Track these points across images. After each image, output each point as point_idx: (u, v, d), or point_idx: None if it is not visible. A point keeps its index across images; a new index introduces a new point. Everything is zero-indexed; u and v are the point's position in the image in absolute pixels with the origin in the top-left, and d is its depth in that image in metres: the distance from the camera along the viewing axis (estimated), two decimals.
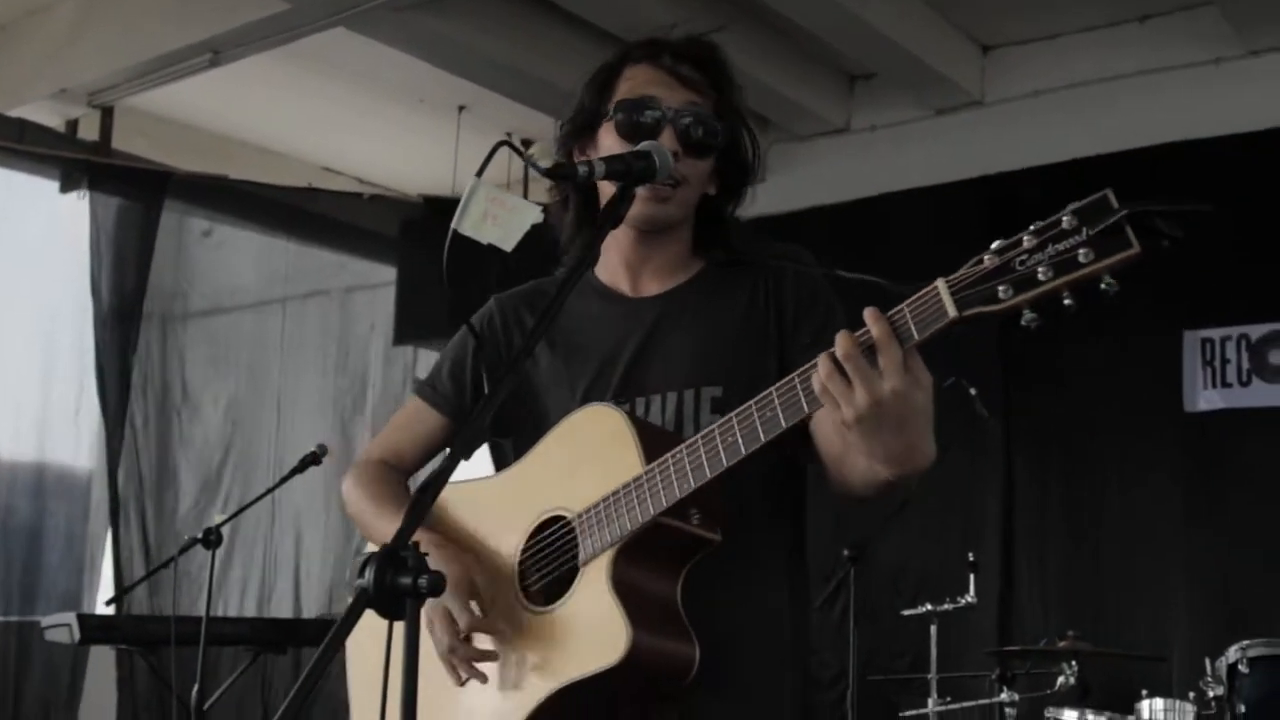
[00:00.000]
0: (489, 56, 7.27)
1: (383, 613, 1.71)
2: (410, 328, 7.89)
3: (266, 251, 8.27)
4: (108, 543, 7.39)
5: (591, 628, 2.05)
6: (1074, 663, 5.21)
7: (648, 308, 2.37)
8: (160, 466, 7.66)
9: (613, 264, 2.42)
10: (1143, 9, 7.14)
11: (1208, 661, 5.04)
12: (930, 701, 5.62)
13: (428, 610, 2.18)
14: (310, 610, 7.70)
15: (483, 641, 2.20)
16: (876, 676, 5.89)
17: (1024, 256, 1.68)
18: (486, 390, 2.38)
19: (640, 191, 2.19)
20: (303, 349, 8.18)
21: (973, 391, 5.49)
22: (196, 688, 4.82)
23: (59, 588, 7.64)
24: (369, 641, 1.88)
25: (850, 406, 1.84)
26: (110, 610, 6.28)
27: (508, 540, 2.26)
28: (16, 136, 7.39)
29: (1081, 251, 1.64)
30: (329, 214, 8.31)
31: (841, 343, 1.84)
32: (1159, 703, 5.00)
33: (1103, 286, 1.65)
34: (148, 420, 7.60)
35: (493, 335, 2.47)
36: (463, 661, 2.19)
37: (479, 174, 1.98)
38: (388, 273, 8.31)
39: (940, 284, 1.75)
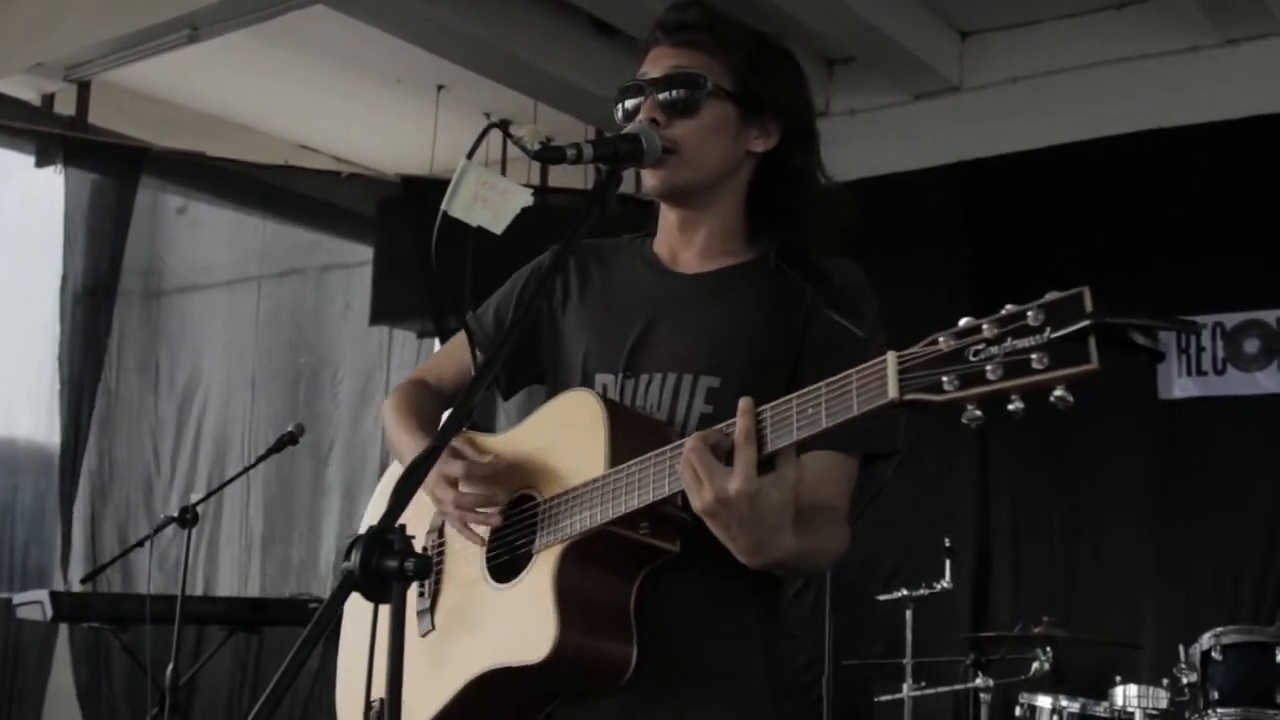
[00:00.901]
0: (468, 36, 7.23)
1: (368, 595, 1.71)
2: (386, 308, 7.87)
3: (242, 229, 8.23)
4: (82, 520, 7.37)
5: (527, 618, 2.06)
6: (1048, 649, 5.23)
7: (677, 284, 2.33)
8: (133, 444, 7.63)
9: (661, 237, 2.40)
10: None
11: (1181, 648, 5.07)
12: (905, 687, 5.64)
13: (431, 489, 2.20)
14: (281, 590, 7.69)
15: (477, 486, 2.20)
16: (851, 662, 5.89)
17: (980, 346, 1.60)
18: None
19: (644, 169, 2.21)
20: (277, 327, 8.15)
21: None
22: (171, 666, 4.80)
23: (30, 564, 7.62)
24: (360, 618, 1.88)
25: (697, 498, 1.88)
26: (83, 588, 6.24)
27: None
28: None
29: (1035, 355, 1.54)
30: (306, 192, 8.27)
31: (693, 439, 1.88)
32: (1132, 689, 5.02)
33: (1053, 398, 1.54)
34: (121, 397, 7.57)
35: (536, 280, 2.44)
36: (470, 510, 2.18)
37: (469, 155, 1.97)
38: (364, 252, 8.27)
39: (890, 358, 1.69)
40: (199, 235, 8.22)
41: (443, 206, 2.00)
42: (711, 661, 2.18)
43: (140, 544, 5.36)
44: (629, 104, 2.28)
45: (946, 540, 5.69)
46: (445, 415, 2.47)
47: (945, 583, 5.57)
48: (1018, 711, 5.18)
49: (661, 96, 2.24)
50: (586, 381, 2.29)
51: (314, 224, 8.51)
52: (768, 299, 2.26)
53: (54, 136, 7.47)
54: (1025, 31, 7.53)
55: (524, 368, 2.47)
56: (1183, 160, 6.76)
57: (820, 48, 7.92)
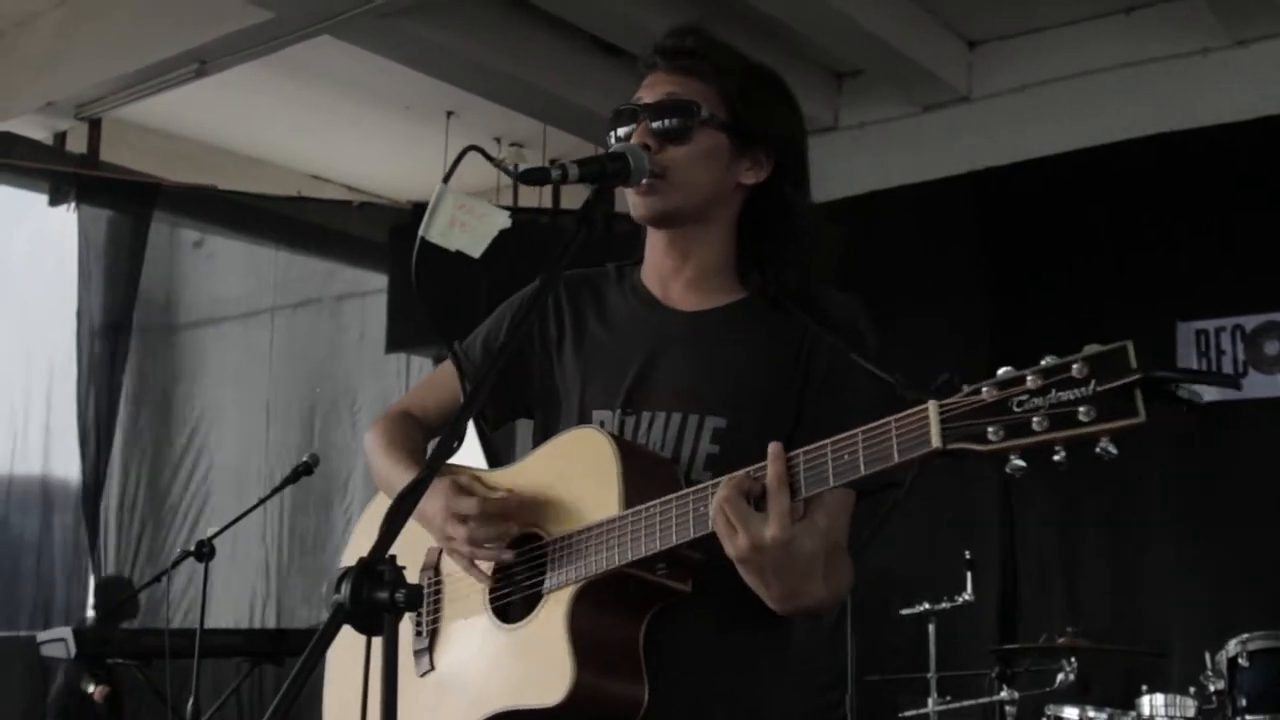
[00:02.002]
0: (475, 62, 7.25)
1: (359, 628, 1.68)
2: (402, 335, 7.88)
3: (256, 261, 8.26)
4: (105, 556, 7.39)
5: (540, 660, 2.03)
6: (1073, 659, 5.18)
7: (673, 321, 2.29)
8: (151, 479, 7.65)
9: (650, 267, 2.35)
10: (1128, 0, 7.12)
11: (1207, 656, 5.01)
12: (930, 701, 5.59)
13: (441, 526, 2.16)
14: (294, 621, 7.68)
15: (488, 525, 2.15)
16: (874, 678, 5.85)
17: (1024, 397, 1.59)
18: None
19: (630, 193, 2.19)
20: (292, 358, 8.17)
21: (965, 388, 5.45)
22: (191, 700, 4.79)
23: (56, 601, 7.64)
24: (347, 654, 1.85)
25: (731, 545, 1.85)
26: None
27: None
28: (4, 151, 7.37)
29: (1083, 409, 1.54)
30: (318, 222, 8.29)
31: (725, 485, 1.85)
32: (1159, 698, 4.98)
33: (1098, 450, 1.55)
34: (138, 432, 7.59)
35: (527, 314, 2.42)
36: (481, 546, 2.13)
37: (445, 180, 1.95)
38: (378, 280, 8.29)
39: (932, 407, 1.67)
40: (214, 268, 8.26)
41: (420, 232, 1.98)
42: (725, 698, 2.15)
43: (157, 579, 5.36)
44: (622, 130, 2.25)
45: (967, 553, 5.64)
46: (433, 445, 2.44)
47: (967, 595, 5.53)
48: None
49: (654, 123, 2.21)
50: (584, 418, 2.25)
51: (328, 253, 8.55)
52: (768, 338, 2.22)
53: (66, 174, 7.52)
54: (1033, 39, 7.50)
55: (510, 402, 2.43)
56: (1197, 163, 6.71)
57: (828, 61, 7.91)
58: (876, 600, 6.29)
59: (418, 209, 7.96)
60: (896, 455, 1.71)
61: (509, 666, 2.10)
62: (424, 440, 2.46)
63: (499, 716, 2.07)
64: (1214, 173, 6.65)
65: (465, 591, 2.22)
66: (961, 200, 7.46)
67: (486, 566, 2.18)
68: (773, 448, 1.83)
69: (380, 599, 1.66)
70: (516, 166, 1.98)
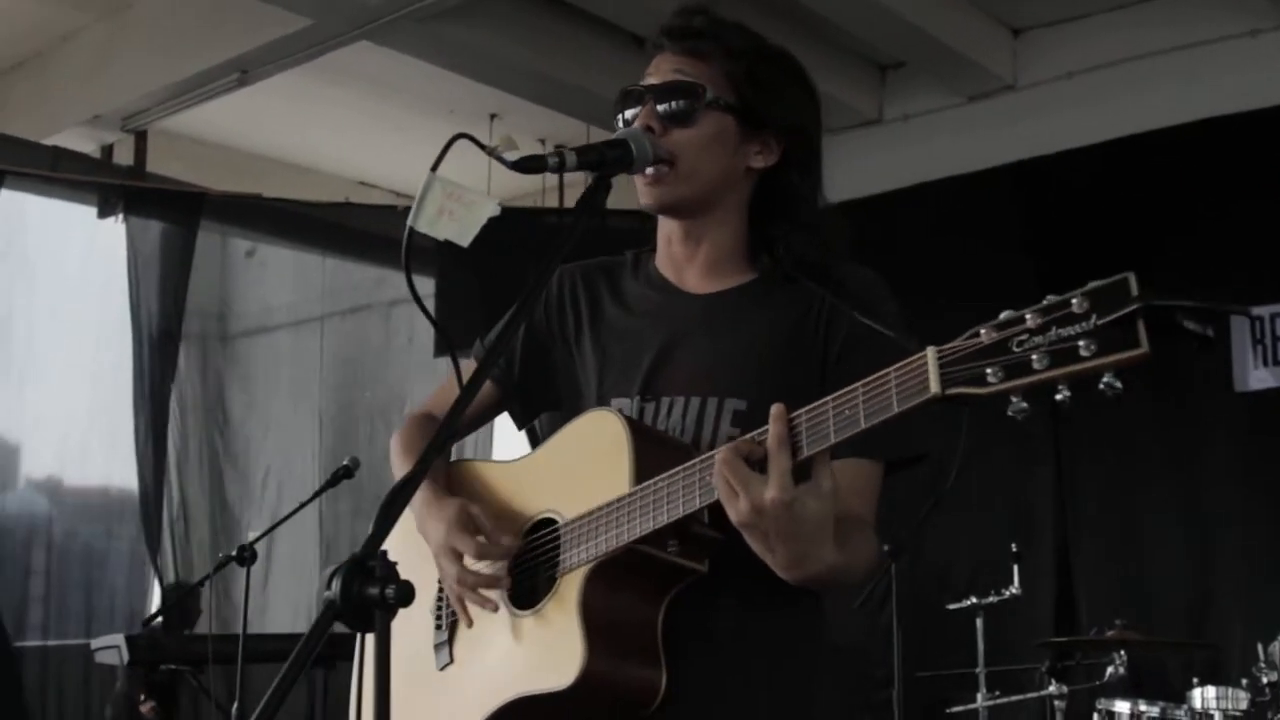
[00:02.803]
0: (516, 63, 7.26)
1: (351, 625, 1.67)
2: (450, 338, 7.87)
3: (304, 268, 8.30)
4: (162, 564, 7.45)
5: (553, 644, 2.00)
6: (1122, 652, 5.10)
7: (688, 305, 2.26)
8: (205, 487, 7.70)
9: (664, 254, 2.33)
10: None
11: (1260, 647, 4.92)
12: (979, 696, 5.52)
13: (436, 554, 2.17)
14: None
15: (489, 569, 2.15)
16: (925, 674, 5.78)
17: (1023, 337, 1.54)
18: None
19: (638, 180, 2.15)
20: (342, 364, 8.20)
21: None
22: (236, 705, 4.81)
23: (119, 609, 7.72)
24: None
25: (733, 510, 1.82)
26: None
27: (504, 533, 2.21)
28: (51, 165, 7.45)
29: (1083, 343, 1.49)
30: (365, 228, 8.31)
31: (725, 449, 1.82)
32: (1211, 690, 4.87)
33: (1102, 385, 1.49)
34: (190, 441, 7.64)
35: (545, 305, 2.39)
36: (471, 590, 2.14)
37: (434, 168, 1.93)
38: (427, 285, 8.31)
39: (930, 354, 1.64)
40: (264, 277, 8.30)
41: (408, 222, 1.96)
42: (748, 683, 2.11)
43: (201, 584, 5.39)
44: (628, 113, 2.22)
45: (1014, 545, 5.57)
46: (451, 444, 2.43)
47: (1015, 588, 5.46)
48: (1095, 718, 5.04)
49: (659, 105, 2.18)
50: (603, 405, 2.22)
51: (376, 259, 8.56)
52: (783, 313, 2.19)
53: (114, 186, 7.58)
54: (1078, 25, 7.40)
55: (535, 397, 2.42)
56: (1248, 147, 6.59)
57: (871, 54, 7.86)
58: (929, 597, 6.24)
59: None
60: (896, 405, 1.67)
61: (523, 653, 2.08)
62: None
63: (514, 704, 2.04)
64: (1266, 156, 6.53)
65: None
66: (1008, 191, 7.38)
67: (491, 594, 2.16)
68: (774, 409, 1.80)
69: (371, 595, 1.65)
70: (502, 144, 1.94)
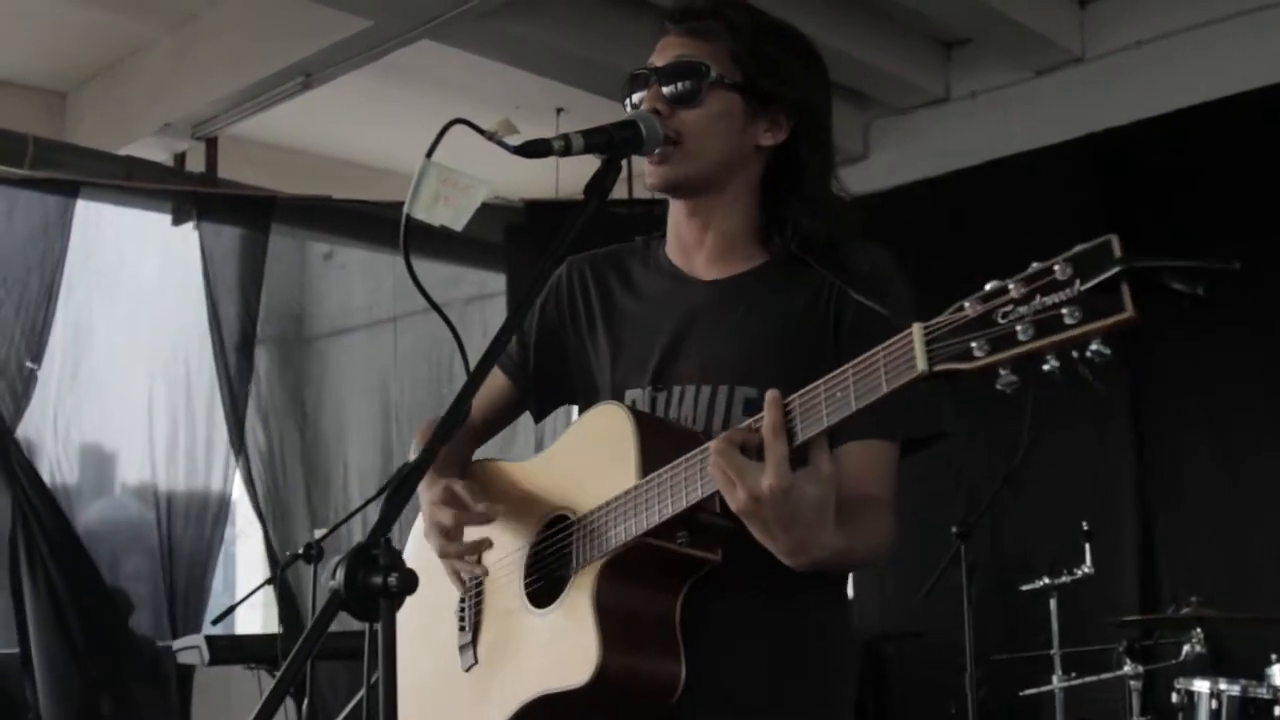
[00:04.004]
0: (579, 56, 7.24)
1: (356, 614, 1.67)
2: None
3: (377, 268, 8.35)
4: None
5: (569, 642, 2.00)
6: (1199, 630, 5.00)
7: (698, 292, 2.25)
8: (291, 487, 7.79)
9: (673, 239, 2.32)
10: None
11: None
12: (1054, 678, 5.44)
13: (426, 536, 2.22)
14: None
15: (476, 534, 2.19)
16: (1001, 656, 5.71)
17: (1008, 308, 1.52)
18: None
19: (646, 161, 2.15)
20: (417, 363, 8.25)
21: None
22: (306, 701, 4.85)
23: (213, 610, 7.81)
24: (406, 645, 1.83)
25: (732, 500, 1.81)
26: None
27: (520, 532, 2.21)
28: (125, 174, 7.56)
29: (1067, 310, 1.46)
30: (436, 226, 8.34)
31: (719, 439, 1.81)
32: None
33: (1089, 354, 1.46)
34: (271, 443, 7.73)
35: (556, 296, 2.40)
36: (458, 558, 2.18)
37: (429, 154, 1.93)
38: (498, 281, 8.36)
39: (917, 330, 1.61)
40: (341, 279, 8.37)
41: (405, 209, 1.97)
42: (770, 673, 2.10)
43: (268, 583, 5.45)
44: (635, 96, 2.21)
45: (1085, 524, 5.48)
46: (464, 438, 2.43)
47: (1087, 568, 5.37)
48: (1174, 698, 4.94)
49: (665, 88, 2.17)
50: (616, 398, 2.23)
51: (447, 256, 8.59)
52: (793, 298, 2.17)
53: (186, 194, 7.67)
54: None
55: (552, 390, 2.43)
56: None
57: (936, 32, 7.77)
58: (1006, 577, 6.16)
59: (531, 208, 8.06)
60: (885, 384, 1.65)
61: (542, 651, 2.08)
62: (466, 440, 2.44)
63: (536, 702, 2.05)
64: None
65: (504, 582, 2.21)
66: (1082, 164, 7.24)
67: (513, 555, 2.17)
68: (769, 395, 1.79)
69: (374, 584, 1.65)
70: (501, 129, 1.93)
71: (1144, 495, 6.79)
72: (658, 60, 2.20)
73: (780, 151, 2.22)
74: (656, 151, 2.13)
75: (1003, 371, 1.52)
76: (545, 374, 2.39)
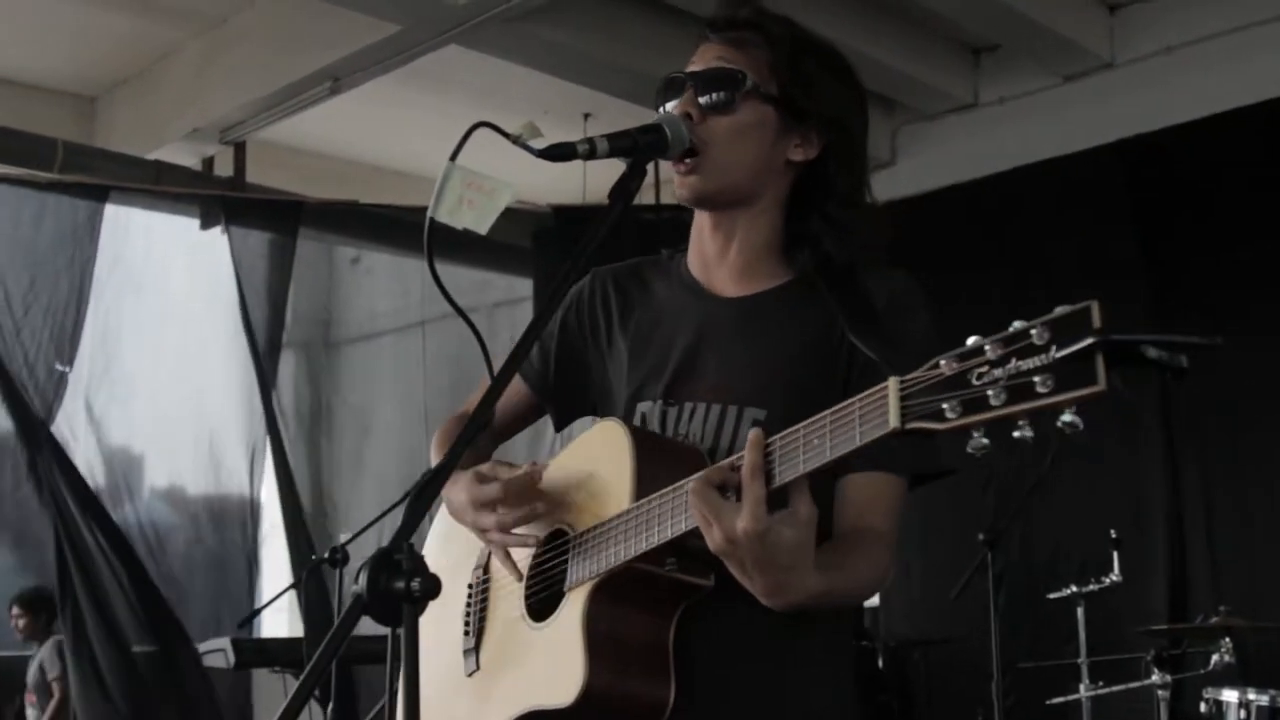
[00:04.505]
0: (607, 61, 7.24)
1: (379, 618, 1.66)
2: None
3: (405, 273, 8.37)
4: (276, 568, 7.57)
5: (559, 660, 1.99)
6: (1228, 640, 4.96)
7: (717, 309, 2.22)
8: (320, 492, 7.81)
9: (695, 252, 2.28)
10: None
11: None
12: (1082, 687, 5.41)
13: (473, 522, 2.16)
14: None
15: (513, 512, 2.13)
16: (1027, 664, 5.69)
17: (984, 369, 1.47)
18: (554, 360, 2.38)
19: (674, 172, 2.13)
20: (446, 367, 8.26)
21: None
22: (331, 705, 4.86)
23: (242, 614, 7.84)
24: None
25: (708, 539, 1.79)
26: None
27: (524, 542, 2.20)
28: (154, 179, 7.60)
29: (1039, 378, 1.40)
30: (464, 231, 8.34)
31: (698, 478, 1.80)
32: None
33: (1059, 424, 1.40)
34: (299, 446, 7.75)
35: (577, 309, 2.38)
36: (509, 532, 2.12)
37: (453, 157, 1.92)
38: (526, 286, 8.36)
39: (892, 385, 1.57)
40: (369, 284, 8.39)
41: (429, 213, 1.96)
42: (764, 698, 2.07)
43: (292, 587, 5.46)
44: (670, 103, 2.19)
45: (1113, 532, 5.45)
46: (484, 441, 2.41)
47: (1115, 576, 5.34)
48: (1202, 708, 4.90)
49: (701, 95, 2.14)
50: (629, 411, 2.21)
51: (475, 262, 8.61)
52: (811, 323, 2.13)
53: (215, 198, 7.71)
54: None
55: (573, 399, 2.40)
56: None
57: (964, 38, 7.75)
58: (1034, 585, 6.13)
59: (559, 212, 8.06)
60: (859, 437, 1.62)
61: (534, 666, 2.08)
62: (486, 440, 2.43)
63: (525, 717, 2.04)
64: None
65: (508, 590, 2.20)
66: (1111, 170, 7.21)
67: (523, 560, 2.15)
68: (752, 435, 1.77)
69: (397, 589, 1.64)
70: (525, 132, 1.92)
71: (1174, 503, 6.74)
72: (695, 66, 2.18)
73: (810, 168, 2.19)
74: (685, 163, 2.11)
75: (975, 434, 1.49)
76: (565, 385, 2.38)
